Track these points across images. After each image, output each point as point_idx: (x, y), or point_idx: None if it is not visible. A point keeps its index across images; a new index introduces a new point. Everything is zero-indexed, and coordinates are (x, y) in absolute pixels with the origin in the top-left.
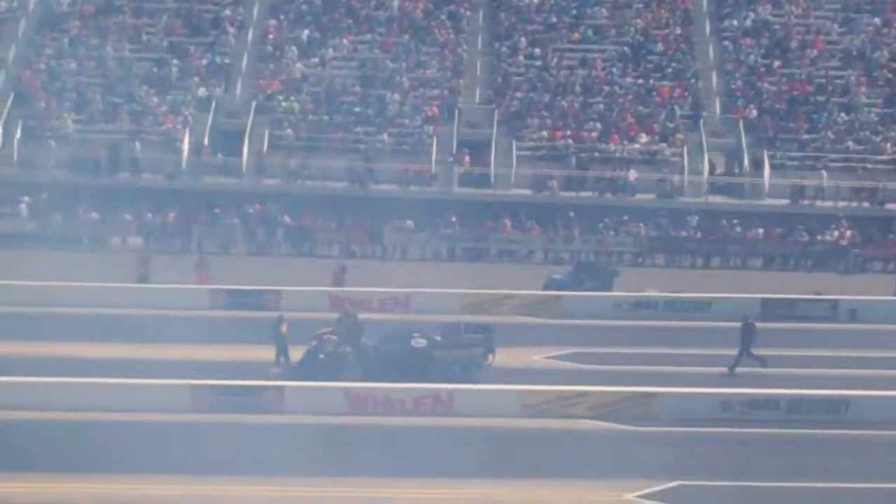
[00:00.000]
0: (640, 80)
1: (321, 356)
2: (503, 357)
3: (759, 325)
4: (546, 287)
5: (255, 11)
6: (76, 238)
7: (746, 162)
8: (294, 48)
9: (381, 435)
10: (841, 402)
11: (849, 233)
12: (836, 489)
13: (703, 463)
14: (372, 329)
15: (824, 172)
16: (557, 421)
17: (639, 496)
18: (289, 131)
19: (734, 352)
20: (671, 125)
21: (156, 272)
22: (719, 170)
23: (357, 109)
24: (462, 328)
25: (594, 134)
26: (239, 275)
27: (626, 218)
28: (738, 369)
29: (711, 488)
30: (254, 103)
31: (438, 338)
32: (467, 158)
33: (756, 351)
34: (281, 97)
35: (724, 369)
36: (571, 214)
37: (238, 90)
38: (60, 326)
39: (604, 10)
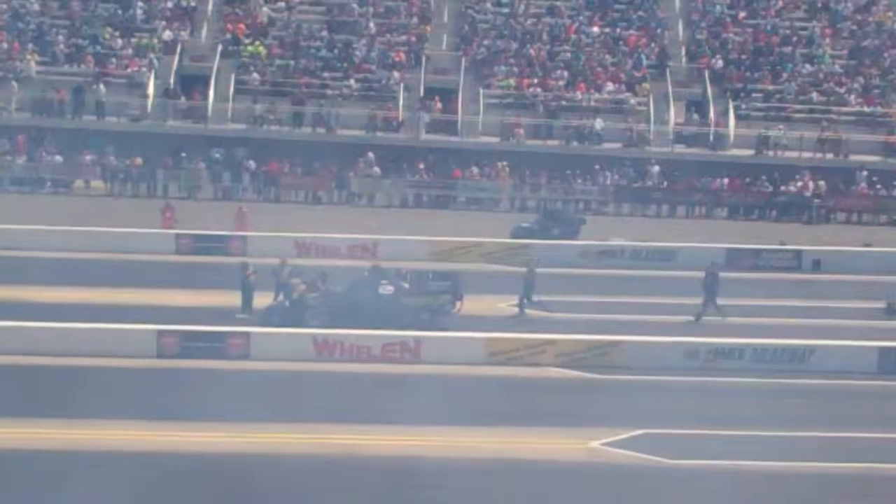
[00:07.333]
0: (607, 30)
1: (286, 303)
2: (470, 305)
3: (723, 274)
4: (513, 235)
5: None
6: (39, 181)
7: (712, 112)
8: None
9: (348, 381)
10: (804, 351)
11: (812, 183)
12: (799, 437)
13: (668, 411)
14: (341, 276)
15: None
16: (524, 369)
17: (604, 444)
18: (255, 76)
19: (699, 301)
20: (637, 74)
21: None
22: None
23: (323, 54)
24: (429, 276)
25: (561, 82)
26: (205, 219)
27: (598, 167)
28: (704, 318)
29: (676, 437)
30: (219, 47)
31: (406, 285)
32: (438, 105)
33: (719, 300)
34: (247, 41)
35: (689, 318)
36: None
37: (204, 34)
38: (24, 271)
39: None
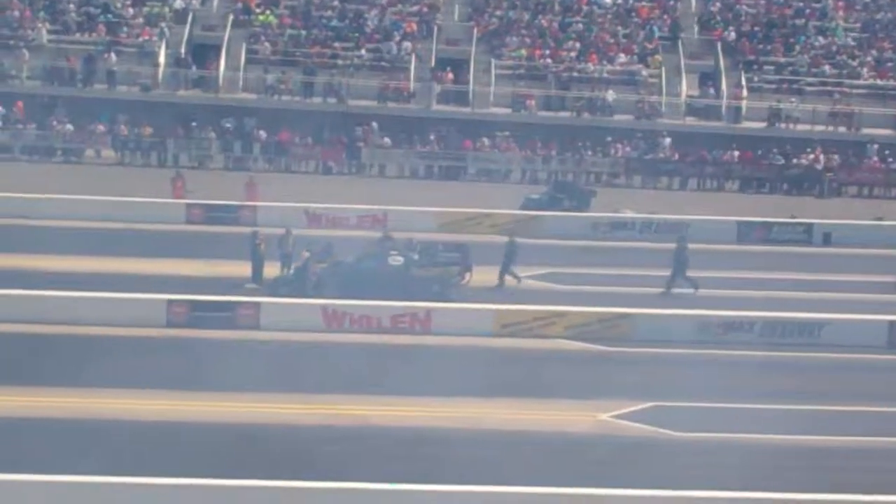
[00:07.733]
0: (620, 1)
1: (290, 272)
2: (480, 276)
3: (734, 247)
4: (523, 207)
5: None
6: (50, 149)
7: (724, 84)
8: None
9: (358, 352)
10: (815, 324)
11: (823, 157)
12: (809, 411)
13: (678, 384)
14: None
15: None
16: (534, 341)
17: (613, 416)
18: (266, 45)
19: (710, 274)
20: (649, 46)
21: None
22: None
23: (335, 24)
24: (439, 247)
25: (573, 54)
26: (215, 189)
27: (609, 139)
28: (675, 290)
29: (685, 409)
30: (231, 16)
31: (416, 256)
32: (450, 76)
33: (732, 273)
34: (258, 10)
35: (699, 291)
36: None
37: (215, 3)
38: (35, 239)
39: None
